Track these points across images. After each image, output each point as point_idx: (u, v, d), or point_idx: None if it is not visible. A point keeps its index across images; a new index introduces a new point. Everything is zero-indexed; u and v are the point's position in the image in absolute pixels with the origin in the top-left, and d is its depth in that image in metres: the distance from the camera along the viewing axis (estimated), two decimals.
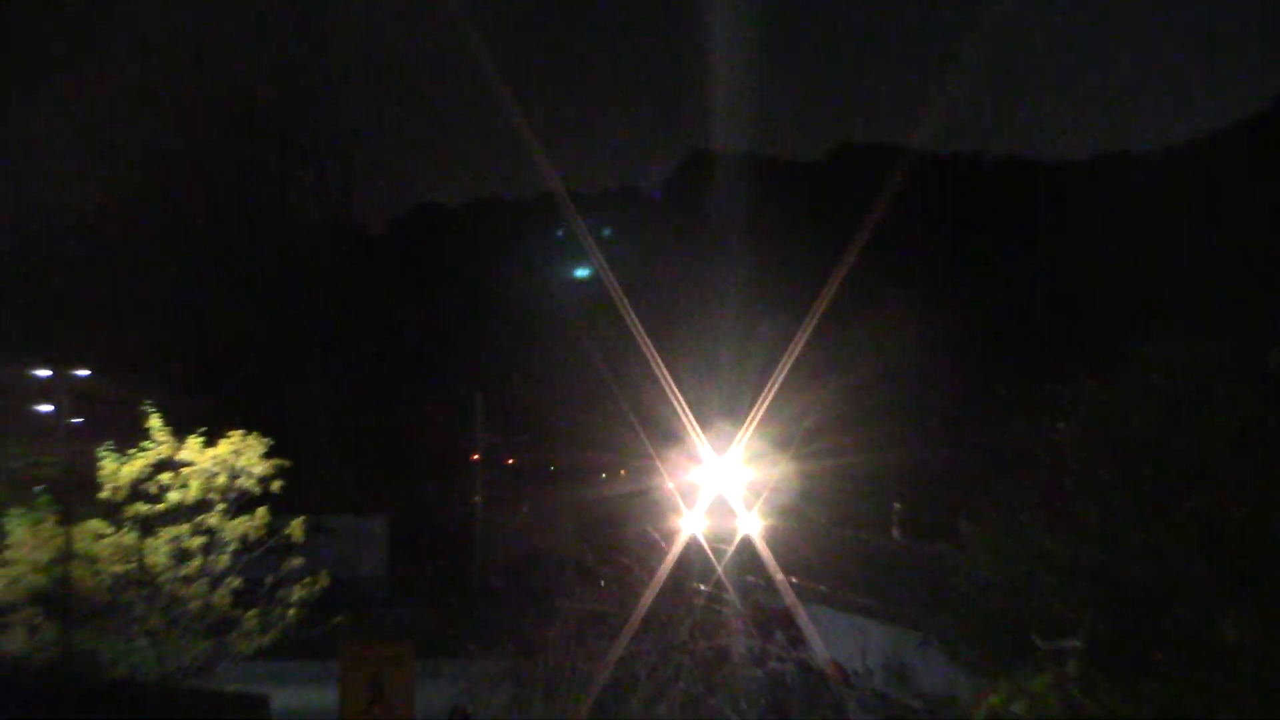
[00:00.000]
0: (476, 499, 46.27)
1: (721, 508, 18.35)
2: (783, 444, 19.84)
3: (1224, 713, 5.89)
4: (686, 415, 17.83)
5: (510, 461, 57.53)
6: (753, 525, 17.96)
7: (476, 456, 53.74)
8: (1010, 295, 49.29)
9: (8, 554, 21.72)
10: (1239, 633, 5.77)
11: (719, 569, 14.67)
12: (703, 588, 12.95)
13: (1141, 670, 6.26)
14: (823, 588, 18.38)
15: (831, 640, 14.46)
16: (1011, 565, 8.61)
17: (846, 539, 22.27)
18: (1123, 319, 30.84)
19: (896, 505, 25.50)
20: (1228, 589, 6.23)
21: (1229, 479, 6.96)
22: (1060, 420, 9.62)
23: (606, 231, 68.66)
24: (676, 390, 19.20)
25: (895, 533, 23.63)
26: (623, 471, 54.64)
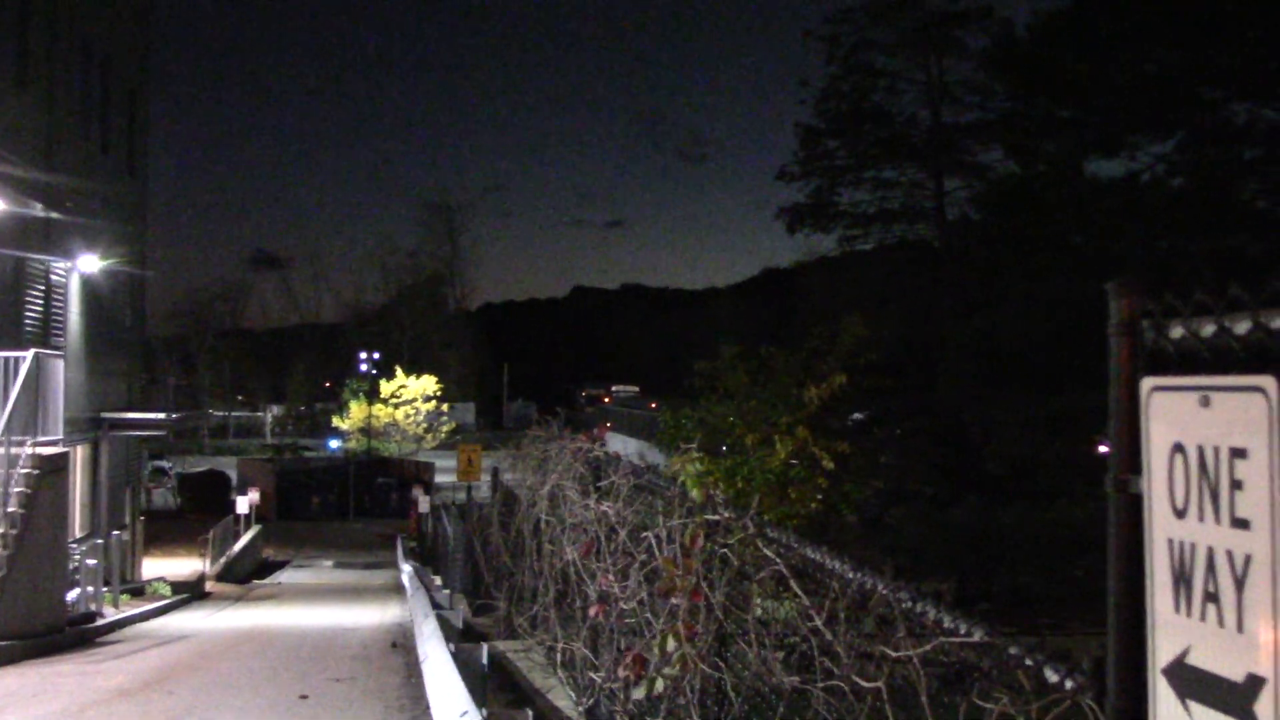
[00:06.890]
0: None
1: None
2: None
3: (755, 479, 15.49)
4: None
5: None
6: None
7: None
8: None
9: (348, 415, 61.47)
10: (753, 441, 15.52)
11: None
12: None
13: (733, 454, 16.37)
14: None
15: (616, 445, 49.13)
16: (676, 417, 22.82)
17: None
18: None
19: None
20: (776, 423, 16.14)
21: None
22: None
23: None
24: None
25: None
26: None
